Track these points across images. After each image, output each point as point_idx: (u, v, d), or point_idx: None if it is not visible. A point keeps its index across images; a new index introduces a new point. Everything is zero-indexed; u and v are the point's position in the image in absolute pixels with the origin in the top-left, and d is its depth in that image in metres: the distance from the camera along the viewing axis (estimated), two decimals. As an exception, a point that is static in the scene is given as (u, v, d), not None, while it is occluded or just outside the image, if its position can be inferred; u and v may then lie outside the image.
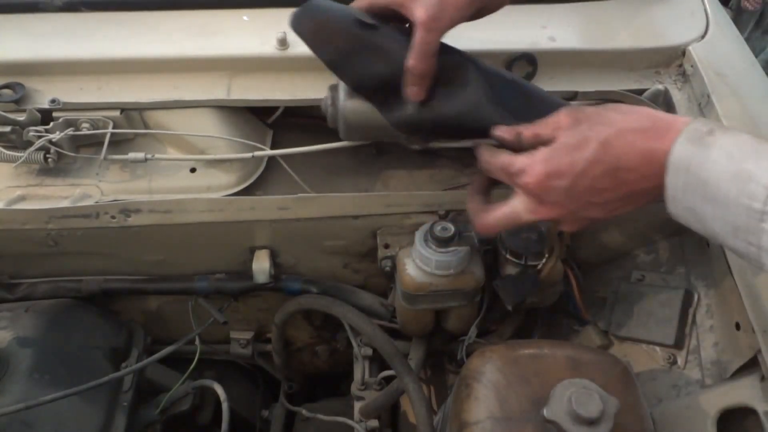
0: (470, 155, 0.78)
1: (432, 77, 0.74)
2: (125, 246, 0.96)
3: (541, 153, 0.66)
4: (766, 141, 0.58)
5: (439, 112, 0.76)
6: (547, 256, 0.91)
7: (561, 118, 0.67)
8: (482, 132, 0.73)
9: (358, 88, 0.78)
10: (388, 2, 0.74)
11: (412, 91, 0.75)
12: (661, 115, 0.65)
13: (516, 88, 0.79)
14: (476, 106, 0.74)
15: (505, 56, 0.98)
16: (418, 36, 0.72)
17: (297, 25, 0.77)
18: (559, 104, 0.77)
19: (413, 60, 0.72)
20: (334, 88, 0.81)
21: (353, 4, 0.77)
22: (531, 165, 0.66)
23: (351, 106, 0.80)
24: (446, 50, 0.76)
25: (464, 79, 0.75)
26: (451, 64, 0.76)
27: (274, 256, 1.01)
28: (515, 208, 0.70)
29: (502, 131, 0.71)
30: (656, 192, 0.62)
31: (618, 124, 0.64)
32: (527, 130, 0.69)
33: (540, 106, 0.75)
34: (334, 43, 0.75)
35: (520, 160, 0.68)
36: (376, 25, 0.74)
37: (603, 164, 0.63)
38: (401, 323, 1.01)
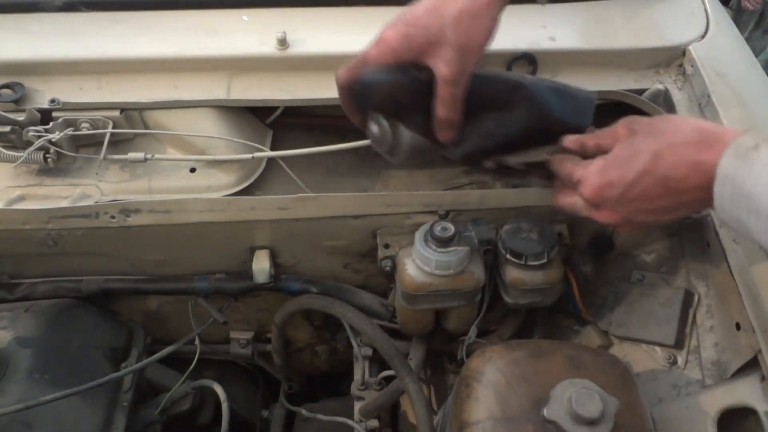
0: None
1: (460, 120, 0.78)
2: (125, 246, 0.96)
3: (596, 165, 0.72)
4: None
5: (494, 138, 0.81)
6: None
7: (619, 129, 0.74)
8: (540, 142, 0.80)
9: (423, 133, 0.81)
10: (412, 57, 0.75)
11: (444, 136, 0.79)
12: (710, 127, 0.69)
13: (555, 92, 0.82)
14: (530, 119, 0.80)
15: (505, 56, 0.98)
16: (444, 91, 0.74)
17: (365, 102, 0.79)
18: (591, 99, 0.83)
19: (442, 111, 0.76)
20: (393, 124, 0.80)
21: (374, 60, 0.76)
22: (586, 177, 0.73)
23: (412, 141, 0.83)
24: (485, 78, 0.79)
25: (514, 100, 0.79)
26: (497, 88, 0.80)
27: (274, 256, 1.01)
28: (577, 203, 0.77)
29: (569, 142, 0.79)
30: (706, 201, 0.66)
31: (669, 137, 0.68)
32: (591, 140, 0.76)
33: (580, 106, 0.82)
34: (400, 101, 0.78)
35: (578, 172, 0.74)
36: (429, 76, 0.75)
37: (653, 175, 0.68)
38: (401, 323, 1.01)
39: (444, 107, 0.76)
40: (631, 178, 0.69)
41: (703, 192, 0.65)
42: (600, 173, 0.72)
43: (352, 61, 0.77)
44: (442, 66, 0.73)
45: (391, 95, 0.77)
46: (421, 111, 0.77)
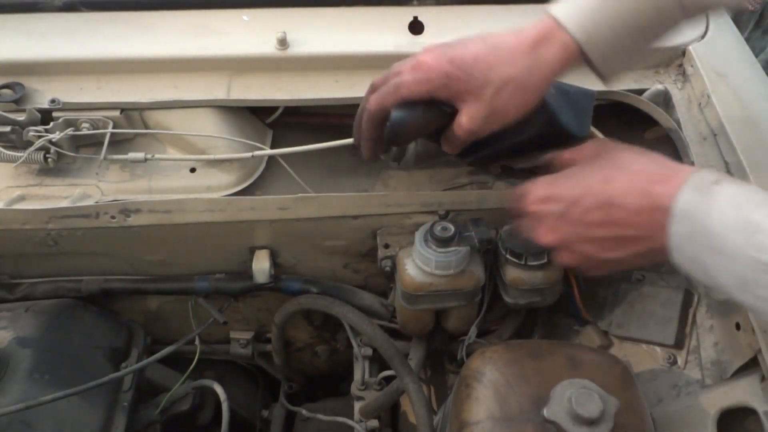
0: None
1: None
2: (125, 246, 0.96)
3: (546, 177, 0.70)
4: None
5: (506, 144, 0.82)
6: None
7: (586, 148, 0.72)
8: (545, 146, 0.80)
9: (430, 139, 0.82)
10: (445, 97, 0.72)
11: (450, 151, 0.79)
12: (668, 162, 0.65)
13: (561, 94, 0.82)
14: (543, 126, 0.79)
15: (505, 56, 0.97)
16: (455, 137, 0.74)
17: (393, 137, 0.77)
18: (590, 104, 0.83)
19: (447, 148, 0.77)
20: None
21: (408, 88, 0.73)
22: (532, 188, 0.70)
23: (417, 149, 0.85)
24: None
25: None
26: None
27: (274, 256, 1.01)
28: (522, 224, 0.74)
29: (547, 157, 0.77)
30: (653, 243, 0.61)
31: (624, 162, 0.65)
32: (566, 155, 0.74)
33: (580, 112, 0.82)
34: (425, 133, 0.79)
35: (525, 185, 0.71)
36: (453, 110, 0.75)
37: (598, 197, 0.64)
38: (401, 323, 1.01)
39: (449, 146, 0.76)
40: (575, 195, 0.65)
41: (652, 229, 0.60)
42: (546, 185, 0.69)
43: (384, 80, 0.74)
44: (465, 118, 0.71)
45: (418, 131, 0.76)
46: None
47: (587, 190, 0.65)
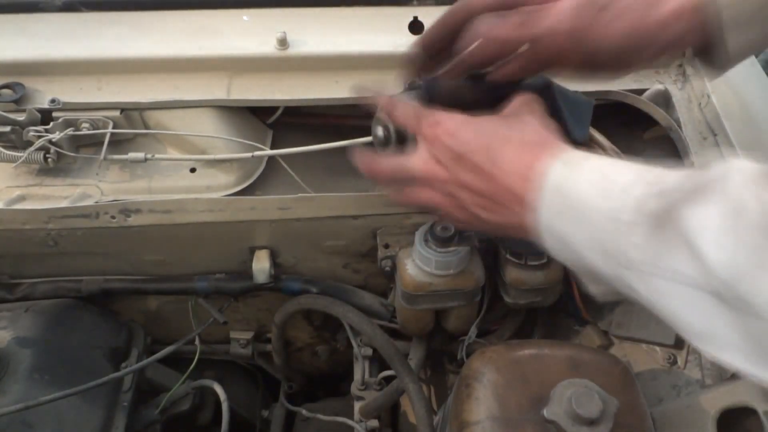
0: None
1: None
2: (125, 246, 0.96)
3: (460, 117, 0.64)
4: (643, 163, 0.54)
5: None
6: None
7: (517, 100, 0.67)
8: None
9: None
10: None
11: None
12: (549, 138, 0.62)
13: (561, 99, 0.81)
14: None
15: (505, 56, 0.97)
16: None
17: (432, 96, 0.73)
18: (590, 109, 0.81)
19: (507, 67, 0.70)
20: (401, 134, 0.74)
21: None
22: (450, 116, 0.64)
23: None
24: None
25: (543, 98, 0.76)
26: (532, 85, 0.77)
27: (274, 256, 1.01)
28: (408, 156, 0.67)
29: None
30: (519, 217, 0.58)
31: (522, 128, 0.62)
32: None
33: (580, 116, 0.80)
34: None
35: (439, 113, 0.65)
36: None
37: (485, 141, 0.61)
38: (401, 323, 1.01)
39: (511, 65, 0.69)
40: (474, 145, 0.61)
41: (519, 203, 0.57)
42: (464, 120, 0.63)
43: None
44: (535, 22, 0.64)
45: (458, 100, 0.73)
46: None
47: (491, 130, 0.62)
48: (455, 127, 0.63)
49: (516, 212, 0.59)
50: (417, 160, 0.65)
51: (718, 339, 0.45)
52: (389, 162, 0.69)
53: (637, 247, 0.49)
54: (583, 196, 0.53)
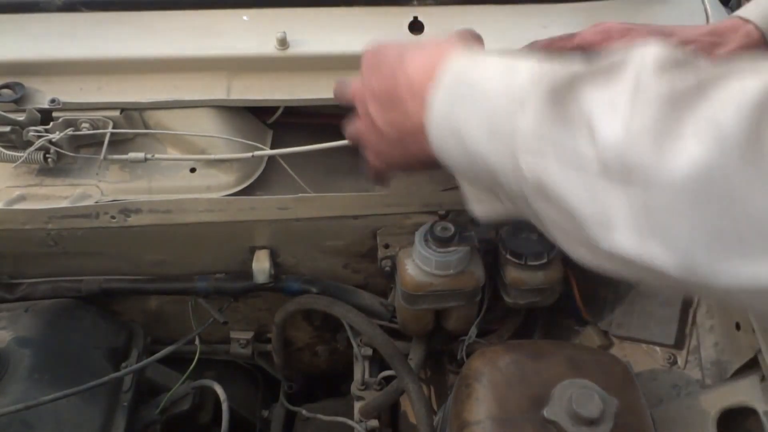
0: None
1: None
2: (125, 246, 0.96)
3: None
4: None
5: None
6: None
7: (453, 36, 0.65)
8: None
9: None
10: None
11: None
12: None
13: None
14: None
15: (505, 56, 0.97)
16: None
17: None
18: None
19: None
20: None
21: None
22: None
23: None
24: None
25: None
26: None
27: (274, 256, 1.01)
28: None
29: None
30: (416, 109, 0.56)
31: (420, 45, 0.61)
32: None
33: None
34: None
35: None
36: None
37: (401, 49, 0.61)
38: (401, 323, 1.01)
39: None
40: (390, 48, 0.62)
41: (417, 99, 0.56)
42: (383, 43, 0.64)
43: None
44: None
45: None
46: None
47: (401, 52, 0.61)
48: (381, 44, 0.65)
49: (414, 111, 0.57)
50: (353, 84, 0.67)
51: (611, 220, 0.43)
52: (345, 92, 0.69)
53: (531, 121, 0.46)
54: (481, 80, 0.51)
